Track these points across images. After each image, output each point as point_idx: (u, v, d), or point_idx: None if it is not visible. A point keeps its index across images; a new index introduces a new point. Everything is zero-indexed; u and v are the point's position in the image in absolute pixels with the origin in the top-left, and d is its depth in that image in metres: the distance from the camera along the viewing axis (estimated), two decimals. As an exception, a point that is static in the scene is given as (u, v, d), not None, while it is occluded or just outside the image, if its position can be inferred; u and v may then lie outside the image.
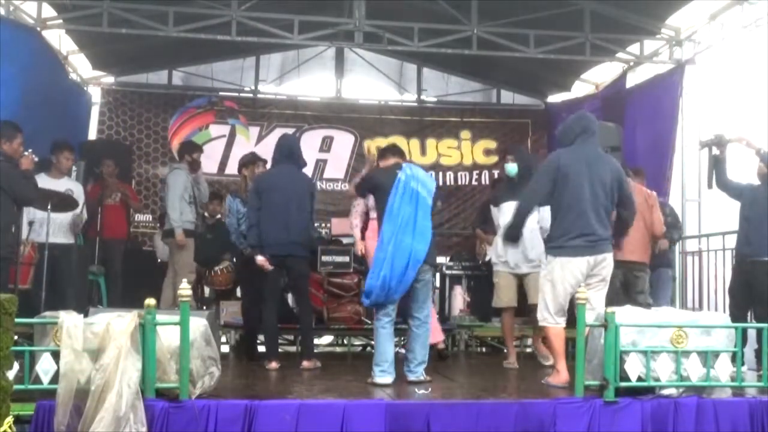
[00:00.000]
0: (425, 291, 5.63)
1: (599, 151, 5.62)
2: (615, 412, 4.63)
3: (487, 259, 8.99)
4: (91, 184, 8.54)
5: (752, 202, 6.50)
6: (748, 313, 6.49)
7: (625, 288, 6.56)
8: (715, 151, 6.65)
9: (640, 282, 6.67)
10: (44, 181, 7.27)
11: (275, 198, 6.39)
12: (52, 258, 7.06)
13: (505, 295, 6.81)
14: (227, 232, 7.86)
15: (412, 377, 5.56)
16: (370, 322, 8.12)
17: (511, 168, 6.82)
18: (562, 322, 5.46)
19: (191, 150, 8.33)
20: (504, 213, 6.78)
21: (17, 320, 3.92)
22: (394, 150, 6.20)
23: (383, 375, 5.50)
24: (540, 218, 6.17)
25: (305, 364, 6.37)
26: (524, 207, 5.67)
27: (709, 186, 6.81)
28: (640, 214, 6.16)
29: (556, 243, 5.43)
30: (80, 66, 10.28)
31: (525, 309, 6.91)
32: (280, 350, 7.08)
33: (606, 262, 5.42)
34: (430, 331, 5.88)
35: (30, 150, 6.33)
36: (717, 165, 6.65)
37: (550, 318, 5.46)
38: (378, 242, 5.57)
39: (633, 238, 6.11)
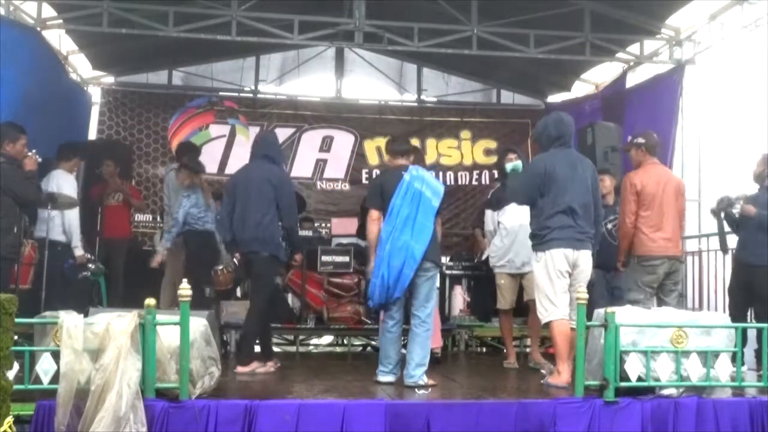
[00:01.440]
0: (427, 288, 5.55)
1: (577, 153, 5.95)
2: (615, 412, 4.63)
3: (483, 257, 8.99)
4: (94, 184, 8.58)
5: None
6: (748, 313, 6.48)
7: (665, 277, 6.30)
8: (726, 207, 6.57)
9: (680, 273, 6.57)
10: (65, 178, 7.36)
11: (237, 193, 6.28)
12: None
13: (510, 296, 6.85)
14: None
15: (408, 381, 5.40)
16: (370, 322, 8.15)
17: (517, 165, 6.81)
18: (567, 314, 5.48)
19: (191, 149, 8.39)
20: (508, 214, 6.78)
21: (17, 320, 3.92)
22: (401, 149, 6.06)
23: (385, 375, 5.52)
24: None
25: (238, 369, 6.06)
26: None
27: (725, 251, 6.80)
28: (673, 202, 6.13)
29: (545, 238, 5.58)
30: (80, 66, 10.28)
31: (525, 309, 6.92)
32: (280, 350, 7.09)
33: (586, 258, 5.60)
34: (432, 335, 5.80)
35: (34, 150, 6.35)
36: (730, 225, 6.61)
37: (556, 310, 5.49)
38: (378, 242, 5.58)
39: (672, 231, 6.11)
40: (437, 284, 5.82)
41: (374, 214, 5.73)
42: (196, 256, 7.34)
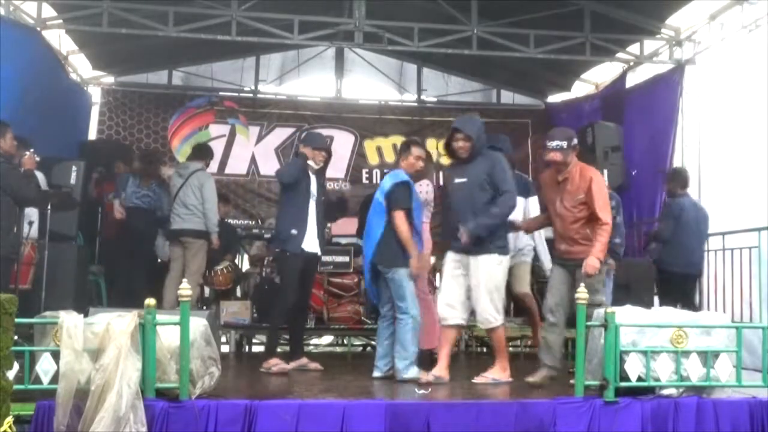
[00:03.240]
0: (393, 288, 5.72)
1: None
2: (615, 412, 4.62)
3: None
4: (99, 184, 8.58)
5: None
6: None
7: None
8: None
9: None
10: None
11: None
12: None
13: None
14: (228, 232, 7.82)
15: (398, 377, 5.64)
16: (370, 322, 8.14)
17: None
18: None
19: (212, 154, 8.43)
20: (533, 206, 6.67)
21: (17, 320, 3.92)
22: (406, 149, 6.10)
23: (375, 370, 5.75)
24: (525, 210, 6.47)
25: (264, 365, 6.12)
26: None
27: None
28: None
29: (502, 242, 5.66)
30: (80, 66, 10.29)
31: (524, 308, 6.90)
32: (280, 350, 7.05)
33: None
34: (417, 331, 5.78)
35: (32, 150, 6.33)
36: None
37: (500, 315, 5.64)
38: None
39: None
40: (405, 282, 5.68)
41: None
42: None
